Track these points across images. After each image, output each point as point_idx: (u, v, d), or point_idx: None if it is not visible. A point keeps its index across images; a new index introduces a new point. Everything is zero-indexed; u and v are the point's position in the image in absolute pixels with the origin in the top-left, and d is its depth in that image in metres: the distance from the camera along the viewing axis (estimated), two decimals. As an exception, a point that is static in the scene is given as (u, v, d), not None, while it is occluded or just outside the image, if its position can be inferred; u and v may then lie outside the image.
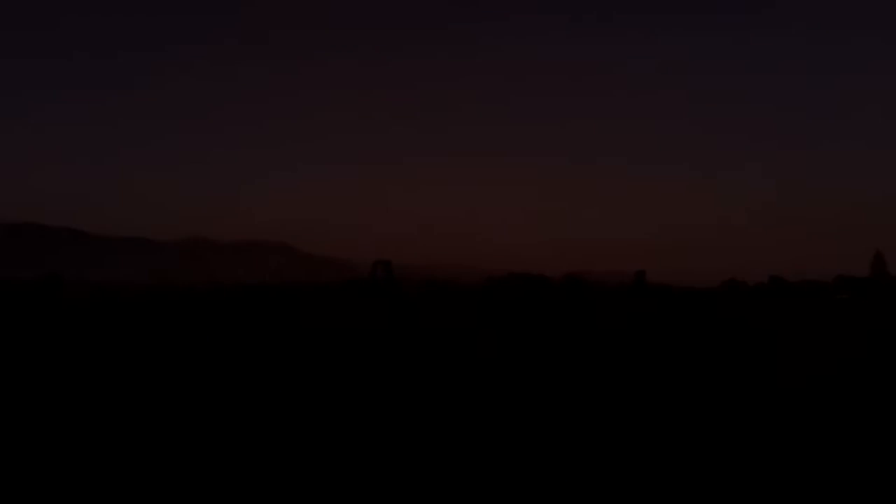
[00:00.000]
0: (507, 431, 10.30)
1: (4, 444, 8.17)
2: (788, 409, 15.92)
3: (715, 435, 13.18)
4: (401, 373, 14.45)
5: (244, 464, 7.46)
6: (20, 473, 6.98)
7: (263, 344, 16.92)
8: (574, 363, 16.40)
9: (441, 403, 12.30)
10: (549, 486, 7.55)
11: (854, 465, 10.65)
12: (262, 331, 16.94)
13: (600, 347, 17.91)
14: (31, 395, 11.67)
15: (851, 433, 12.47)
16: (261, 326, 17.37)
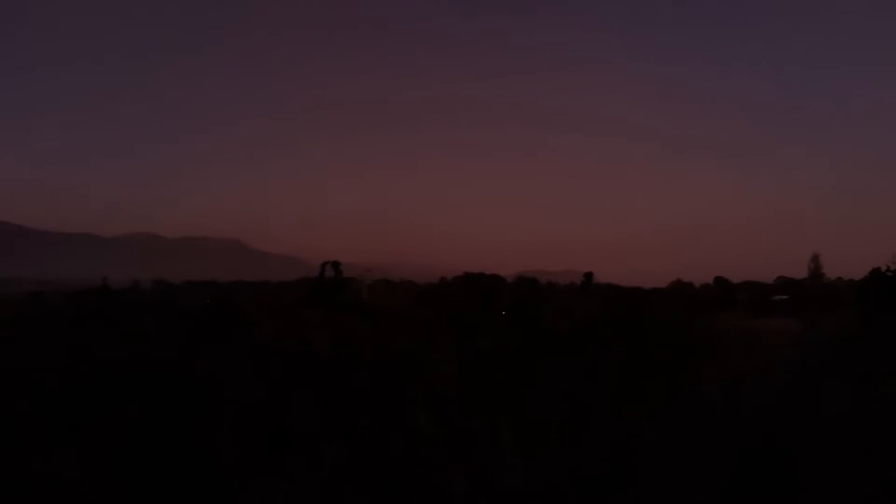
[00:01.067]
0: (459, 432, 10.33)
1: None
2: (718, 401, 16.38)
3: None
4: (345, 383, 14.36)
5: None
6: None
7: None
8: (519, 361, 16.59)
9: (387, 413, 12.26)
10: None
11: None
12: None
13: (546, 344, 18.20)
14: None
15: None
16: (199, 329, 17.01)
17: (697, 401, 18.01)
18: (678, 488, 14.87)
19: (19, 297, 68.48)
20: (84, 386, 15.11)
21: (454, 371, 15.70)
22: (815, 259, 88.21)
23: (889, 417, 11.59)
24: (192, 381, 14.00)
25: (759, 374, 19.79)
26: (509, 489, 15.64)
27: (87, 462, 12.36)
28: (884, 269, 13.93)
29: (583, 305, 22.59)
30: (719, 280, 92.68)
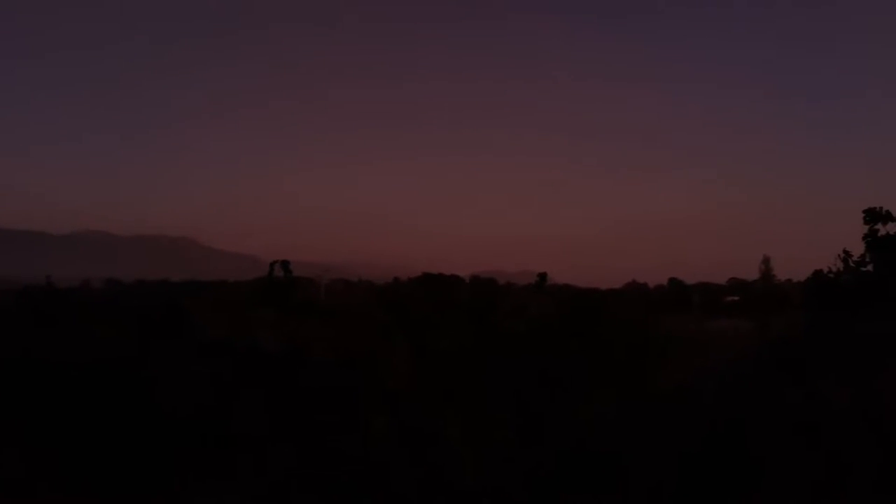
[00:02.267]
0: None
1: None
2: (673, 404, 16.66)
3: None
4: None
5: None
6: None
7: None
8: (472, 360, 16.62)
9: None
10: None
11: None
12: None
13: (500, 344, 18.29)
14: None
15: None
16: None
17: (652, 400, 18.30)
18: (634, 486, 15.07)
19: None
20: (26, 387, 14.60)
21: (407, 371, 15.62)
22: (766, 261, 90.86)
23: (826, 412, 11.97)
24: (138, 381, 13.61)
25: (712, 372, 20.17)
26: (463, 489, 15.63)
27: (31, 463, 11.99)
28: (826, 270, 14.38)
29: (537, 306, 22.81)
30: (673, 281, 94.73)
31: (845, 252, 14.00)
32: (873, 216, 13.15)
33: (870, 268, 13.57)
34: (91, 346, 16.36)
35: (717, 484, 13.29)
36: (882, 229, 13.18)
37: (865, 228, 13.43)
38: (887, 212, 13.08)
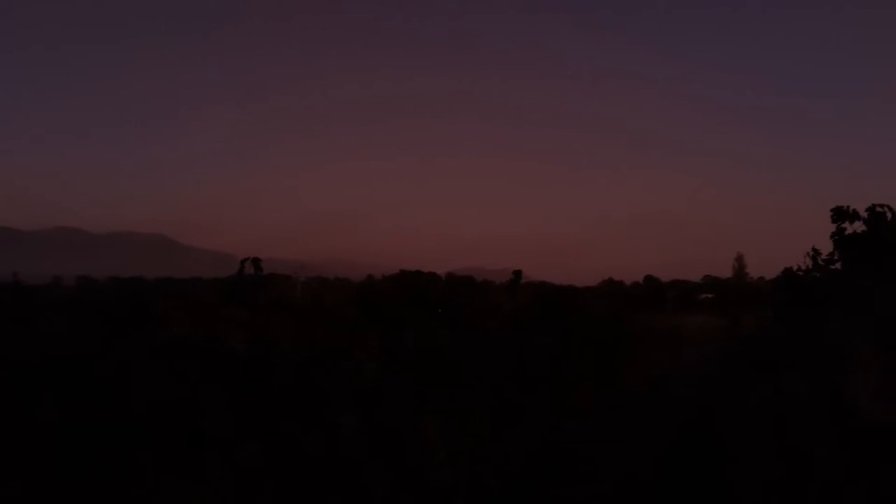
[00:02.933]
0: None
1: None
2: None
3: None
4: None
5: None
6: None
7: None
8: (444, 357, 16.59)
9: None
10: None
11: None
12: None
13: (474, 341, 18.30)
14: None
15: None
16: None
17: (625, 394, 18.40)
18: (607, 479, 15.17)
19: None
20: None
21: (379, 369, 15.53)
22: (740, 259, 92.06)
23: (790, 407, 12.16)
24: (102, 380, 13.34)
25: (684, 368, 20.37)
26: (435, 485, 15.60)
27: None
28: (795, 268, 14.54)
29: (512, 302, 22.87)
30: (649, 278, 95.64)
31: (814, 250, 14.17)
32: (840, 215, 13.31)
33: (838, 265, 13.74)
34: (53, 343, 16.04)
35: (689, 476, 13.42)
36: (849, 227, 13.34)
37: (833, 227, 13.58)
38: (854, 210, 13.25)
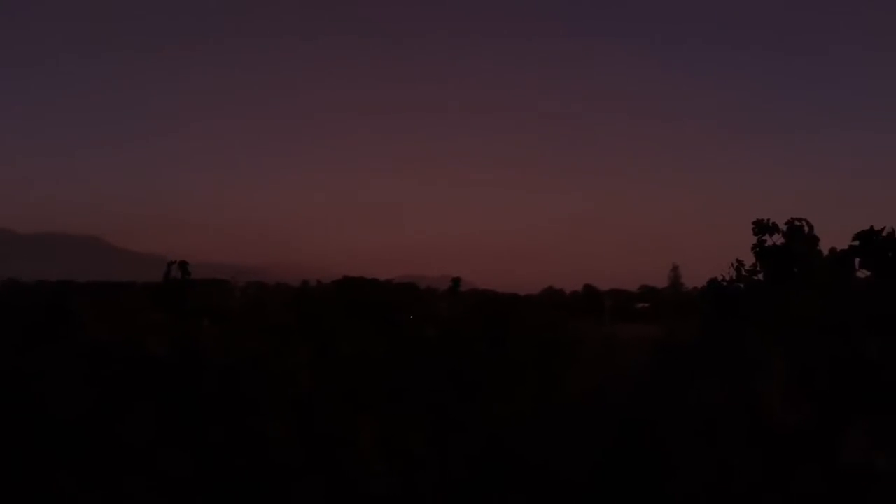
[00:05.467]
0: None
1: None
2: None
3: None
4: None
5: None
6: None
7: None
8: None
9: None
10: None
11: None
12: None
13: (411, 349, 18.27)
14: None
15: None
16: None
17: (562, 402, 18.63)
18: (545, 486, 15.33)
19: None
20: None
21: (312, 377, 15.31)
22: (675, 269, 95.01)
23: (711, 414, 12.59)
24: (17, 387, 12.68)
25: (619, 376, 20.77)
26: (371, 495, 15.44)
27: None
28: (720, 279, 15.07)
29: (450, 310, 22.92)
30: (588, 287, 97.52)
31: (738, 261, 14.72)
32: (761, 227, 13.88)
33: (760, 276, 14.32)
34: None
35: (626, 480, 13.70)
36: (769, 240, 13.92)
37: (755, 239, 14.15)
38: (774, 223, 13.84)
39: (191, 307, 15.56)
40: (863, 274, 12.43)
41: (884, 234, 12.01)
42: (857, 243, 12.39)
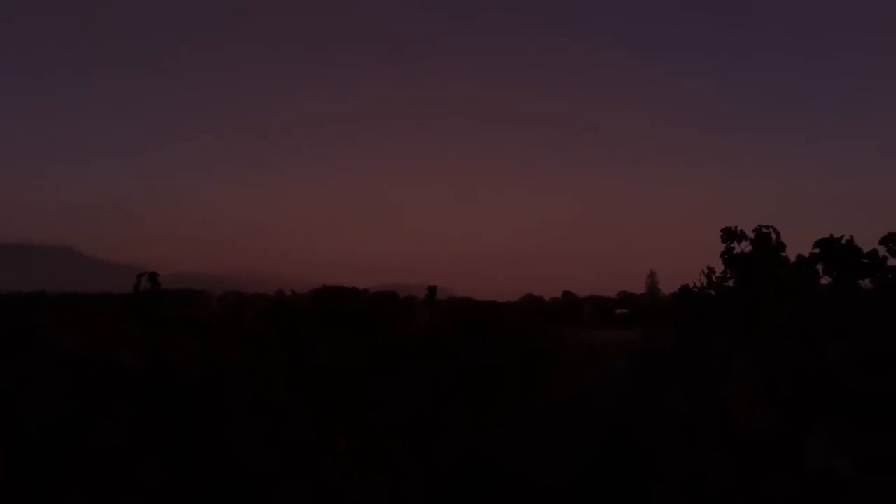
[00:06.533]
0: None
1: None
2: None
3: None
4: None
5: None
6: None
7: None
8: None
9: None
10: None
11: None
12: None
13: (391, 357, 18.36)
14: None
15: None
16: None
17: (543, 407, 18.83)
18: (527, 491, 15.47)
19: None
20: None
21: (289, 384, 15.36)
22: (652, 276, 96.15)
23: (682, 419, 12.86)
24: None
25: (600, 380, 21.02)
26: (350, 501, 15.48)
27: None
28: (692, 285, 15.41)
29: (429, 318, 23.03)
30: (567, 294, 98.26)
31: (709, 268, 15.08)
32: (729, 235, 14.24)
33: (730, 283, 14.67)
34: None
35: (607, 484, 13.90)
36: (738, 247, 14.29)
37: (723, 246, 14.52)
38: (741, 231, 14.22)
39: (163, 317, 15.59)
40: (826, 280, 12.80)
41: (842, 241, 12.41)
42: (817, 251, 12.77)
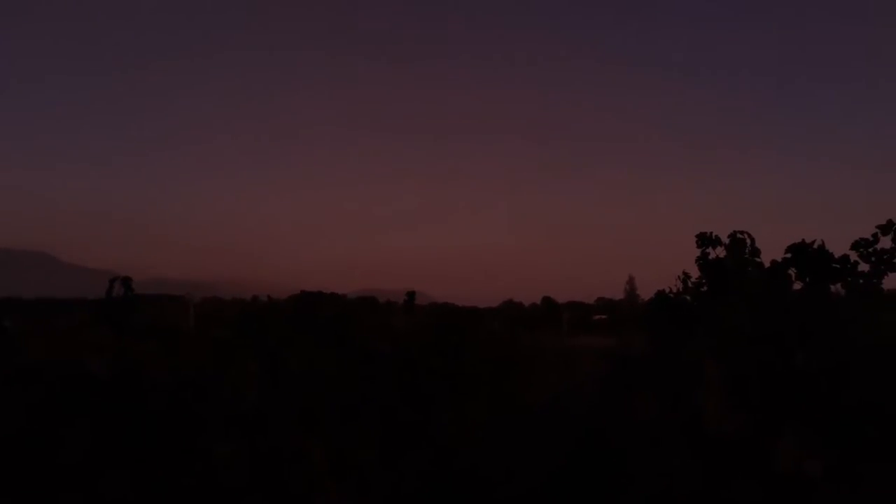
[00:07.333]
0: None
1: None
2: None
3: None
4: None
5: None
6: None
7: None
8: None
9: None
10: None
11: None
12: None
13: (364, 364, 18.18)
14: None
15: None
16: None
17: (519, 414, 18.73)
18: (502, 500, 15.32)
19: None
20: None
21: (259, 393, 15.08)
22: (631, 281, 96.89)
23: (645, 425, 12.85)
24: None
25: (577, 388, 21.01)
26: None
27: None
28: (667, 290, 15.40)
29: (405, 324, 22.87)
30: (546, 300, 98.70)
31: (685, 273, 15.07)
32: (704, 240, 14.24)
33: (706, 288, 14.66)
34: None
35: (582, 494, 13.81)
36: (712, 252, 14.30)
37: (698, 252, 14.50)
38: (716, 236, 14.22)
39: (136, 323, 15.26)
40: (799, 285, 12.83)
41: (814, 246, 12.45)
42: (789, 255, 12.80)
